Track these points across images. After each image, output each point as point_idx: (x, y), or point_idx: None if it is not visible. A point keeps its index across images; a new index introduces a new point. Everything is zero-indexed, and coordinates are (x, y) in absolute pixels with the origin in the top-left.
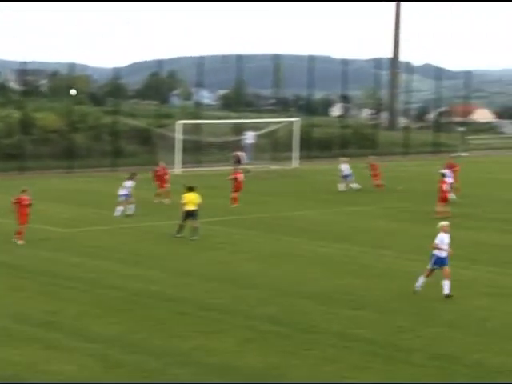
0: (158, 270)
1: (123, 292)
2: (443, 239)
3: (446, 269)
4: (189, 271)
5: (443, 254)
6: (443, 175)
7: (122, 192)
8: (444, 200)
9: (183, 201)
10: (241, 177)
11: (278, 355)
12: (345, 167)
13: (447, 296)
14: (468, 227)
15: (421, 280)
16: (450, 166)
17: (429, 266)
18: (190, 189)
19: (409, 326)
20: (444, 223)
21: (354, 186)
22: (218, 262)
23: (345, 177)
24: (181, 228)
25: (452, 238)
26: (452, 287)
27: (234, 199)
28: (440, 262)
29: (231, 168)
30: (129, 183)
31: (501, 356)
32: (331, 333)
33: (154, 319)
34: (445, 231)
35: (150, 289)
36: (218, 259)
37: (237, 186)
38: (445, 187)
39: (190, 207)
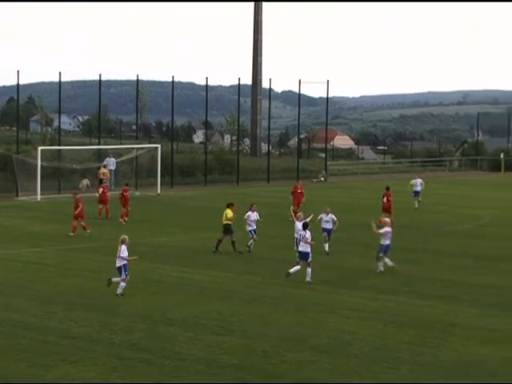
0: (20, 299)
1: None
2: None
3: None
4: (52, 299)
5: None
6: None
7: None
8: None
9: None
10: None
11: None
12: None
13: None
14: (331, 251)
15: None
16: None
17: None
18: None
19: (274, 351)
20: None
21: None
22: (81, 290)
23: None
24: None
25: (317, 263)
26: (316, 311)
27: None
28: None
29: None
30: None
31: (368, 379)
32: (198, 359)
33: (17, 349)
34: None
35: (12, 317)
36: (82, 287)
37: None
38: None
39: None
